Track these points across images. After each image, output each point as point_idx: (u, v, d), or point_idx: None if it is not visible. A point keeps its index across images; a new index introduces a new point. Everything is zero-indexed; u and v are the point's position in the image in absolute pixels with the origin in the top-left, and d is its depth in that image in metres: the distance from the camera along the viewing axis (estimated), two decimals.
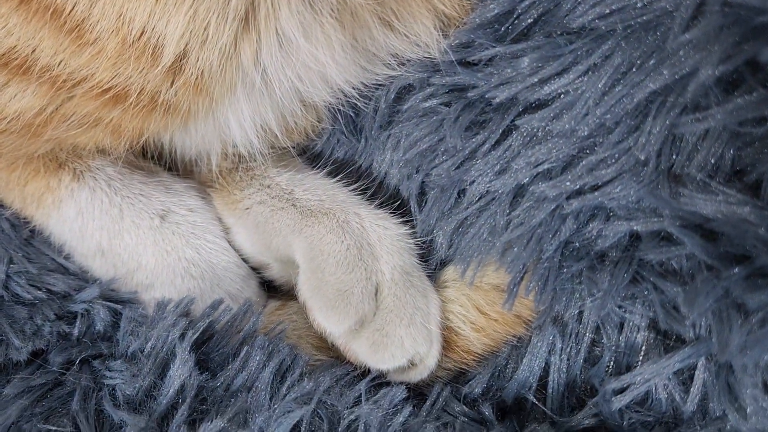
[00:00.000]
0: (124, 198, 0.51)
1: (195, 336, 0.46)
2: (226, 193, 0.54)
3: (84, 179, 0.51)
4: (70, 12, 0.40)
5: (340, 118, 0.51)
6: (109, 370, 0.46)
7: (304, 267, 0.49)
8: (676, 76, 0.36)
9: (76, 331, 0.49)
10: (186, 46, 0.41)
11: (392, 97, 0.49)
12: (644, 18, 0.38)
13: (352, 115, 0.52)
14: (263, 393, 0.45)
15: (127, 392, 0.45)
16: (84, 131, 0.47)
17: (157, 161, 0.55)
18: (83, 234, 0.51)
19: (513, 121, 0.43)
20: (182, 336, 0.46)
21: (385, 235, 0.49)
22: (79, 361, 0.47)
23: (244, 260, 0.54)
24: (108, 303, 0.50)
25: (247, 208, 0.53)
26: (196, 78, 0.43)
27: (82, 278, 0.53)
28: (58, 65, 0.42)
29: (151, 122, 0.46)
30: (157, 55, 0.42)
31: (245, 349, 0.47)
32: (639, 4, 0.38)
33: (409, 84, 0.48)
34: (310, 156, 0.57)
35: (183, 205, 0.53)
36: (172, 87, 0.44)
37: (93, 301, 0.50)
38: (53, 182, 0.51)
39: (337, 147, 0.55)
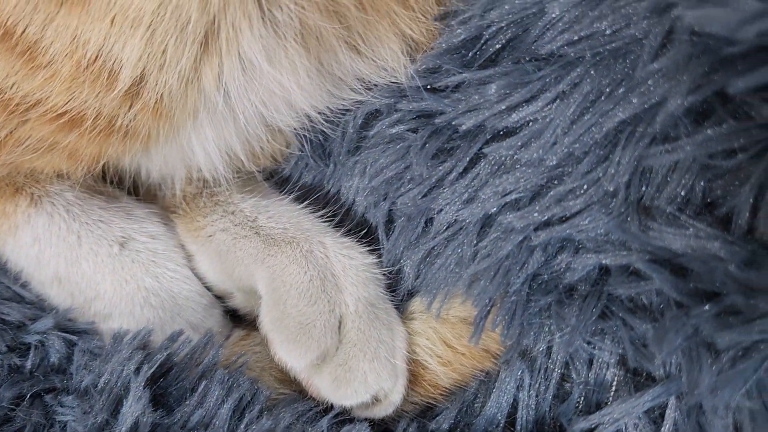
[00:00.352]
0: (83, 224, 0.49)
1: (151, 370, 0.44)
2: (189, 220, 0.52)
3: (42, 204, 0.49)
4: (22, 34, 0.39)
5: (306, 144, 0.50)
6: (61, 406, 0.44)
7: (266, 298, 0.48)
8: (646, 106, 0.35)
9: (29, 364, 0.47)
10: (143, 69, 0.40)
11: (360, 122, 0.48)
12: (613, 45, 0.37)
13: (321, 139, 0.51)
14: (221, 431, 0.43)
15: (78, 430, 0.43)
16: (40, 155, 0.45)
17: (117, 186, 0.54)
18: (40, 261, 0.49)
19: (481, 149, 0.42)
20: (137, 370, 0.44)
21: (350, 266, 0.48)
22: (31, 395, 0.45)
23: (208, 288, 0.52)
24: (63, 334, 0.48)
25: (210, 236, 0.51)
26: (156, 102, 0.42)
27: (39, 307, 0.51)
28: (11, 88, 0.41)
29: (109, 147, 0.45)
30: (113, 79, 0.40)
31: (203, 383, 0.45)
32: (608, 31, 0.37)
33: (376, 109, 0.47)
34: (277, 180, 0.55)
35: (144, 232, 0.51)
36: (130, 111, 0.42)
37: (48, 332, 0.48)
38: (9, 208, 0.49)
39: (306, 172, 0.54)
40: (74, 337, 0.48)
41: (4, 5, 0.38)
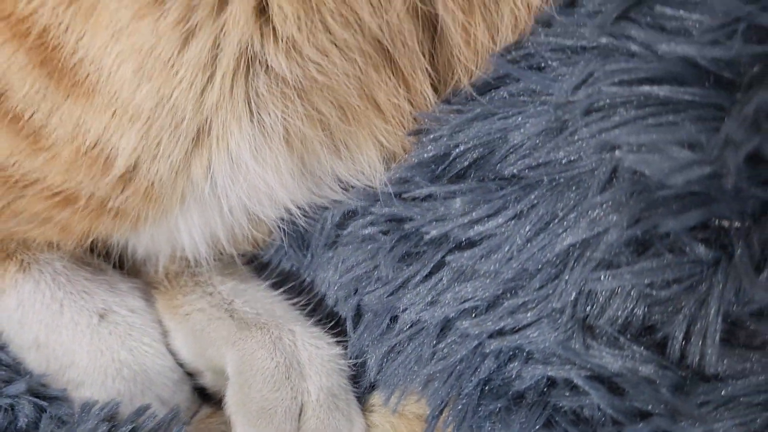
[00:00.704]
0: (67, 294, 0.52)
1: None
2: (169, 297, 0.55)
3: (30, 271, 0.52)
4: (29, 119, 0.42)
5: (283, 236, 0.53)
6: None
7: (233, 380, 0.50)
8: (592, 233, 0.38)
9: None
10: (137, 158, 0.43)
11: (337, 219, 0.51)
12: (568, 174, 0.40)
13: (301, 230, 0.54)
14: None
15: None
16: (34, 227, 0.48)
17: (104, 259, 0.56)
18: (22, 326, 0.51)
19: (444, 256, 0.44)
20: None
21: (317, 355, 0.50)
22: None
23: (180, 365, 0.54)
24: (34, 399, 0.49)
25: (187, 314, 0.53)
26: (147, 188, 0.45)
27: (15, 370, 0.52)
28: (12, 166, 0.44)
29: (100, 225, 0.48)
30: (108, 165, 0.43)
31: None
32: (563, 161, 0.40)
33: (352, 210, 0.50)
34: (257, 266, 0.58)
35: (124, 305, 0.53)
36: (122, 194, 0.45)
37: (19, 396, 0.49)
38: None
39: (285, 259, 0.56)
40: (45, 403, 0.50)
41: (15, 92, 0.42)
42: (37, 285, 0.51)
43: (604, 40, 0.39)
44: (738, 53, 0.34)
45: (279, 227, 0.52)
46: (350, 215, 0.50)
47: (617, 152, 0.36)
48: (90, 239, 0.50)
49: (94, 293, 0.52)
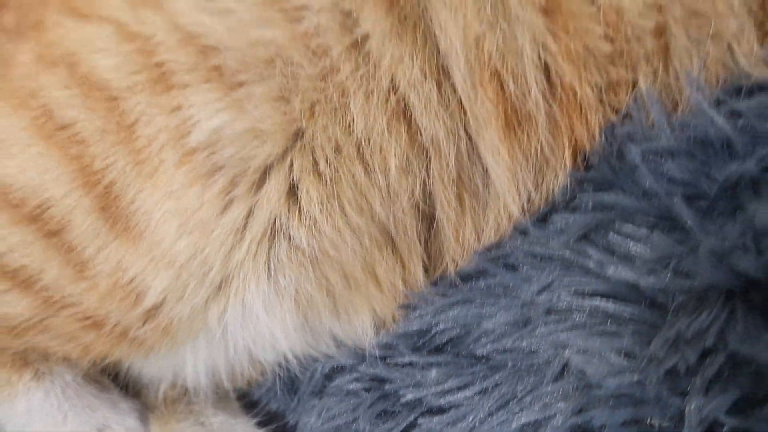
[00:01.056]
0: (73, 406, 0.56)
1: None
2: (164, 421, 0.60)
3: (43, 381, 0.57)
4: (80, 251, 0.50)
5: (276, 378, 0.59)
6: None
7: None
8: (543, 415, 0.45)
9: None
10: (164, 298, 0.50)
11: (326, 371, 0.57)
12: (528, 361, 0.47)
13: (292, 376, 0.60)
14: None
15: None
16: (58, 344, 0.54)
17: (113, 378, 0.62)
18: (24, 429, 0.56)
19: (416, 418, 0.50)
20: None
21: None
22: None
23: None
24: None
25: None
26: (167, 324, 0.51)
27: None
28: (56, 287, 0.50)
29: (118, 349, 0.54)
30: (139, 300, 0.50)
31: None
32: (526, 350, 0.47)
33: (341, 365, 0.56)
34: (247, 402, 0.63)
35: (122, 424, 0.58)
36: (144, 326, 0.51)
37: None
38: (14, 377, 0.56)
39: (273, 400, 0.62)
40: None
41: (74, 228, 0.49)
42: (47, 395, 0.56)
43: (567, 253, 0.47)
44: (668, 284, 0.42)
45: (274, 371, 0.58)
46: (338, 369, 0.57)
47: (567, 351, 0.43)
48: (106, 360, 0.55)
49: (97, 409, 0.57)
